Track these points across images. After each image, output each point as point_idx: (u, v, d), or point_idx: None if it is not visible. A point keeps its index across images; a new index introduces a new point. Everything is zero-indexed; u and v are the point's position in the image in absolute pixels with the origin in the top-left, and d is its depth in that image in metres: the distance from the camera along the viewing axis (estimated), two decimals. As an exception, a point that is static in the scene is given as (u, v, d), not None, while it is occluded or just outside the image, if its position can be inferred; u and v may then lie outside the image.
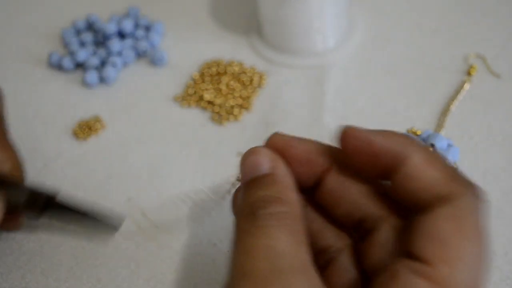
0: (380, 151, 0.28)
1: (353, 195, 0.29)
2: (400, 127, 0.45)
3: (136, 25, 0.57)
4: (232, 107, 0.50)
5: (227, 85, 0.51)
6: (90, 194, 0.45)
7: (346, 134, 0.28)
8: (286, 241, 0.26)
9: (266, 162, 0.30)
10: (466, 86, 0.49)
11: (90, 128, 0.49)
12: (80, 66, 0.55)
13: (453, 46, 0.52)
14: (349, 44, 0.53)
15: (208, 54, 0.54)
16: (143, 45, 0.54)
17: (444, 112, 0.47)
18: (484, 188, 0.42)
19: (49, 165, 0.48)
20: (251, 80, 0.51)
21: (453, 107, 0.47)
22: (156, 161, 0.47)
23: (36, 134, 0.50)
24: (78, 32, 0.57)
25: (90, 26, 0.57)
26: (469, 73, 0.49)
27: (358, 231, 0.30)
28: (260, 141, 0.47)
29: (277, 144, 0.31)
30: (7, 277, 0.41)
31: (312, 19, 0.50)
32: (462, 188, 0.28)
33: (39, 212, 0.39)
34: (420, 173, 0.27)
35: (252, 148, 0.31)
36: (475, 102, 0.48)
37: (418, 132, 0.41)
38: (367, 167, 0.28)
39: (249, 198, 0.29)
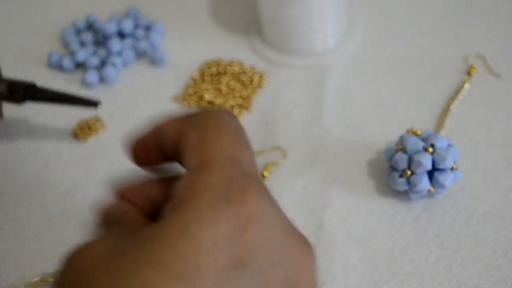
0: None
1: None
2: (400, 127, 0.45)
3: (136, 25, 0.57)
4: (232, 107, 0.50)
5: (227, 85, 0.51)
6: (90, 194, 0.45)
7: (131, 143, 0.32)
8: None
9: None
10: (466, 86, 0.49)
11: (90, 128, 0.49)
12: (80, 66, 0.55)
13: (453, 46, 0.52)
14: (349, 44, 0.53)
15: (208, 54, 0.54)
16: (143, 45, 0.54)
17: (444, 112, 0.47)
18: (484, 188, 0.42)
19: (49, 165, 0.48)
20: (251, 80, 0.51)
21: (453, 107, 0.47)
22: (156, 161, 0.47)
23: (36, 134, 0.50)
24: (78, 32, 0.57)
25: (90, 26, 0.57)
26: (469, 73, 0.49)
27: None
28: (260, 141, 0.47)
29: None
30: (7, 277, 0.41)
31: (312, 19, 0.50)
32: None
33: (21, 99, 0.45)
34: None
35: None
36: (475, 102, 0.48)
37: (418, 132, 0.41)
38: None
39: None
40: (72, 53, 0.54)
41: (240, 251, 0.26)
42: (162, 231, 0.26)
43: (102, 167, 0.47)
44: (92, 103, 0.46)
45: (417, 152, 0.40)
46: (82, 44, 0.56)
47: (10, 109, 0.49)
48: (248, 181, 0.28)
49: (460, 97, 0.48)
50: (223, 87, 0.51)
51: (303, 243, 0.28)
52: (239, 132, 0.29)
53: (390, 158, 0.42)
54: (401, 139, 0.42)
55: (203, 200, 0.26)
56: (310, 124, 0.48)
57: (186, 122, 0.29)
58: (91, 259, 0.27)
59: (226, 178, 0.28)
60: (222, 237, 0.26)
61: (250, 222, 0.27)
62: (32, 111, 0.52)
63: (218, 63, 0.53)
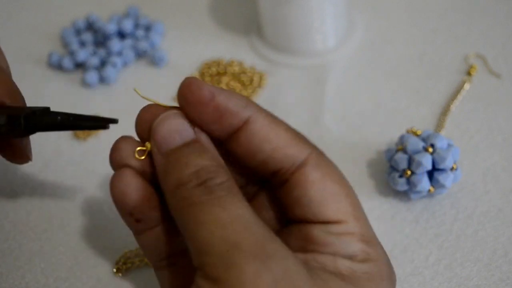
0: (223, 105, 0.28)
1: (269, 148, 0.29)
2: (400, 127, 0.45)
3: (136, 25, 0.57)
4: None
5: (227, 85, 0.51)
6: (90, 194, 0.45)
7: (191, 84, 0.28)
8: (248, 209, 0.27)
9: (188, 127, 0.29)
10: (466, 86, 0.49)
11: (90, 128, 0.49)
12: (80, 66, 0.55)
13: (453, 46, 0.52)
14: (349, 44, 0.53)
15: (208, 54, 0.54)
16: (143, 45, 0.54)
17: (444, 112, 0.47)
18: (484, 188, 0.42)
19: (49, 165, 0.48)
20: (251, 80, 0.51)
21: (453, 107, 0.47)
22: (156, 161, 0.47)
23: (36, 134, 0.50)
24: (78, 32, 0.57)
25: (90, 26, 0.57)
26: (469, 73, 0.49)
27: (272, 180, 0.30)
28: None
29: (188, 100, 0.29)
30: (7, 277, 0.41)
31: (312, 19, 0.50)
32: (307, 146, 0.30)
33: (22, 132, 0.35)
34: (266, 132, 0.28)
35: (165, 113, 0.29)
36: (475, 102, 0.48)
37: (418, 132, 0.41)
38: (211, 123, 0.28)
39: (190, 168, 0.27)
40: (72, 53, 0.54)
41: None
42: None
43: (102, 167, 0.47)
44: (108, 121, 0.36)
45: (417, 152, 0.40)
46: (82, 44, 0.56)
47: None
48: (386, 255, 0.32)
49: (460, 97, 0.48)
50: (223, 87, 0.51)
51: None
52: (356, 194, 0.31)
53: (390, 158, 0.42)
54: (401, 139, 0.42)
55: (385, 277, 0.30)
56: (310, 124, 0.48)
57: (314, 159, 0.29)
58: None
59: (383, 251, 0.31)
60: None
61: None
62: (32, 111, 0.52)
63: (218, 63, 0.53)
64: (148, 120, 0.30)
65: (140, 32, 0.56)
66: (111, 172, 0.46)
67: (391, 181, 0.41)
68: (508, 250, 0.39)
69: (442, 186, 0.40)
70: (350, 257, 0.28)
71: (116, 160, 0.30)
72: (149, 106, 0.31)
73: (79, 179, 0.46)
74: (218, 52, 0.54)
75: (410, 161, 0.40)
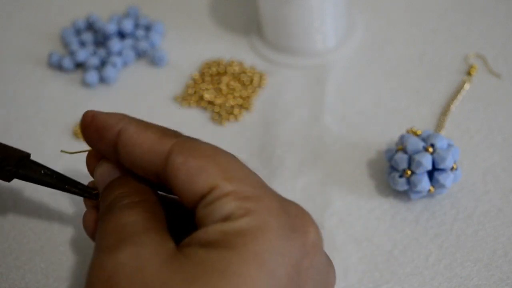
0: (100, 123, 0.32)
1: (140, 151, 0.30)
2: (400, 127, 0.45)
3: (136, 25, 0.57)
4: (232, 107, 0.50)
5: (227, 85, 0.51)
6: (90, 194, 0.45)
7: (83, 115, 0.33)
8: (137, 215, 0.29)
9: (112, 168, 0.33)
10: (466, 86, 0.49)
11: (90, 128, 0.49)
12: (80, 66, 0.54)
13: (453, 46, 0.52)
14: (349, 44, 0.53)
15: (208, 54, 0.54)
16: (143, 45, 0.54)
17: (444, 112, 0.47)
18: (484, 188, 0.42)
19: (49, 165, 0.47)
20: (251, 80, 0.51)
21: (453, 107, 0.47)
22: (156, 161, 0.47)
23: (36, 134, 0.50)
24: (78, 32, 0.57)
25: (90, 26, 0.57)
26: (469, 73, 0.49)
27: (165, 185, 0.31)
28: (260, 141, 0.47)
29: (82, 128, 0.33)
30: (7, 277, 0.41)
31: (312, 19, 0.50)
32: (172, 138, 0.30)
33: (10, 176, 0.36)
34: (135, 138, 0.30)
35: (100, 162, 0.34)
36: (475, 102, 0.48)
37: (418, 132, 0.41)
38: (98, 142, 0.32)
39: (106, 201, 0.31)
40: (72, 53, 0.54)
41: (304, 280, 0.26)
42: (235, 262, 0.25)
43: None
44: (91, 195, 0.36)
45: (417, 152, 0.40)
46: (82, 44, 0.56)
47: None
48: (296, 205, 0.29)
49: (460, 97, 0.48)
50: (223, 87, 0.51)
51: (331, 263, 0.30)
52: (233, 157, 0.30)
53: (390, 158, 0.42)
54: (401, 139, 0.42)
55: (271, 229, 0.26)
56: (310, 124, 0.48)
57: (176, 147, 0.29)
58: (147, 273, 0.26)
59: (279, 204, 0.28)
60: (292, 267, 0.26)
61: (312, 249, 0.28)
62: (32, 110, 0.52)
63: (218, 63, 0.53)
64: (89, 170, 0.35)
65: (140, 32, 0.56)
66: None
67: (391, 181, 0.41)
68: (508, 250, 0.39)
69: (442, 186, 0.40)
70: (226, 218, 0.27)
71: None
72: (89, 151, 0.35)
73: (79, 179, 0.46)
74: (218, 52, 0.54)
75: (410, 161, 0.40)
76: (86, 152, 0.36)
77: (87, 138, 0.33)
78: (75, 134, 0.49)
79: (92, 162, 0.34)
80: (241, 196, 0.27)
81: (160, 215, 0.30)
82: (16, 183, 0.46)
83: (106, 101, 0.52)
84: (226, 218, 0.27)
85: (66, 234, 0.43)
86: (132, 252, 0.27)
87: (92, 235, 0.34)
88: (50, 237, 0.43)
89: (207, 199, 0.28)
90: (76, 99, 0.52)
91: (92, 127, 0.32)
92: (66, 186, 0.37)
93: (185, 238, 0.28)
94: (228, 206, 0.27)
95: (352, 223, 0.42)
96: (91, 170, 0.34)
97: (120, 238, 0.28)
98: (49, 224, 0.44)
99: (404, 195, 0.42)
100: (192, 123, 0.49)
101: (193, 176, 0.28)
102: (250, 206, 0.27)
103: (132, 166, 0.31)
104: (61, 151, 0.38)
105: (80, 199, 0.45)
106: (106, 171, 0.33)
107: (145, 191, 0.31)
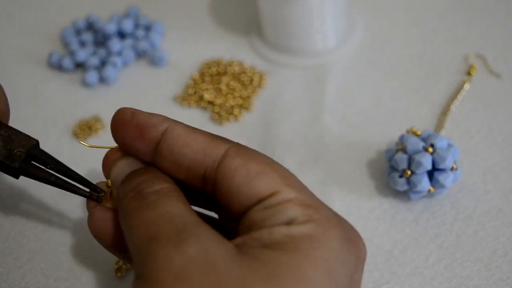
0: (142, 122, 0.31)
1: (189, 152, 0.30)
2: (400, 127, 0.45)
3: (136, 25, 0.57)
4: (232, 107, 0.50)
5: (227, 85, 0.51)
6: (90, 194, 0.45)
7: (117, 112, 0.32)
8: (179, 206, 0.28)
9: (137, 161, 0.32)
10: (466, 86, 0.49)
11: (90, 128, 0.49)
12: (80, 66, 0.55)
13: (453, 46, 0.52)
14: (349, 44, 0.53)
15: (208, 54, 0.54)
16: (143, 45, 0.54)
17: (444, 112, 0.47)
18: (484, 188, 0.42)
19: (49, 165, 0.47)
20: (251, 80, 0.51)
21: (453, 107, 0.47)
22: (156, 161, 0.47)
23: (36, 134, 0.50)
24: (78, 32, 0.57)
25: (90, 26, 0.57)
26: (469, 73, 0.49)
27: (206, 188, 0.31)
28: (260, 141, 0.47)
29: (115, 125, 0.32)
30: (7, 277, 0.41)
31: (312, 19, 0.50)
32: (225, 142, 0.31)
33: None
34: (184, 138, 0.30)
35: (118, 159, 0.33)
36: (475, 102, 0.48)
37: (418, 132, 0.41)
38: (136, 140, 0.31)
39: (130, 184, 0.30)
40: (72, 53, 0.54)
41: None
42: (306, 265, 0.26)
43: (102, 167, 0.47)
44: (96, 195, 0.35)
45: (417, 152, 0.40)
46: (82, 44, 0.56)
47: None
48: (346, 220, 0.29)
49: (460, 97, 0.48)
50: (223, 87, 0.51)
51: None
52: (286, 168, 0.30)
53: (390, 158, 0.42)
54: (401, 139, 0.42)
55: (334, 238, 0.27)
56: (310, 124, 0.48)
57: (233, 150, 0.29)
58: (219, 269, 0.26)
59: (335, 216, 0.29)
60: (348, 278, 0.27)
61: (361, 265, 0.29)
62: (32, 110, 0.52)
63: (218, 63, 0.53)
64: (106, 166, 0.34)
65: (140, 32, 0.56)
66: (111, 172, 0.46)
67: (391, 181, 0.41)
68: (508, 250, 0.39)
69: (442, 186, 0.40)
70: (289, 222, 0.27)
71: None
72: (107, 153, 0.34)
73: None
74: (218, 52, 0.54)
75: (410, 161, 0.40)
76: (97, 149, 0.35)
77: (123, 135, 0.32)
78: (75, 134, 0.49)
79: (113, 159, 0.33)
80: (304, 203, 0.28)
81: (188, 204, 0.30)
82: (16, 182, 0.46)
83: (106, 101, 0.52)
84: (290, 222, 0.27)
85: (66, 234, 0.43)
86: (200, 247, 0.26)
87: (106, 237, 0.33)
88: (50, 237, 0.43)
89: (267, 202, 0.28)
90: (76, 99, 0.52)
91: (132, 124, 0.31)
92: (72, 187, 0.36)
93: (235, 240, 0.28)
94: (292, 211, 0.27)
95: (352, 223, 0.41)
96: (108, 167, 0.33)
97: (177, 231, 0.27)
98: (49, 224, 0.44)
99: (404, 195, 0.42)
100: (192, 123, 0.49)
101: (253, 178, 0.28)
102: (312, 214, 0.28)
103: (174, 166, 0.30)
104: (80, 142, 0.38)
105: (80, 200, 0.45)
106: (128, 163, 0.32)
107: (169, 178, 0.31)
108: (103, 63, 0.54)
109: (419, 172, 0.40)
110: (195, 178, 0.30)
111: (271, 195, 0.28)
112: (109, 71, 0.52)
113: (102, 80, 0.53)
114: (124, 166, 0.32)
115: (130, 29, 0.55)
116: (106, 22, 0.56)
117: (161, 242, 0.26)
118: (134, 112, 0.32)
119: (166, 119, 0.31)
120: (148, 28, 0.57)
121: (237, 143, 0.31)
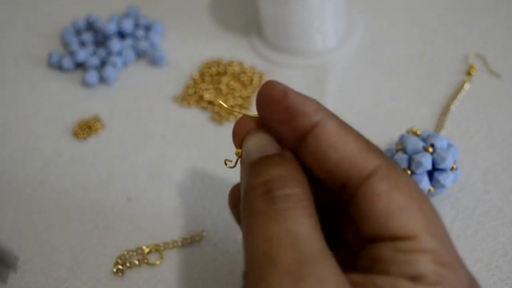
0: (294, 105, 0.28)
1: (336, 156, 0.27)
2: (400, 127, 0.45)
3: (136, 25, 0.57)
4: (232, 107, 0.50)
5: (227, 85, 0.51)
6: (90, 194, 0.45)
7: (267, 84, 0.28)
8: (307, 225, 0.26)
9: (273, 142, 0.29)
10: (466, 86, 0.49)
11: (90, 128, 0.49)
12: (80, 66, 0.55)
13: (453, 46, 0.52)
14: (349, 44, 0.53)
15: (208, 54, 0.54)
16: (143, 45, 0.54)
17: (444, 112, 0.47)
18: (484, 188, 0.42)
19: (49, 165, 0.48)
20: (251, 80, 0.51)
21: (453, 107, 0.47)
22: (156, 161, 0.47)
23: (36, 134, 0.50)
24: (78, 32, 0.57)
25: (90, 26, 0.57)
26: (469, 73, 0.49)
27: (339, 196, 0.28)
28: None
29: (262, 100, 0.29)
30: (8, 276, 0.41)
31: (312, 19, 0.50)
32: (377, 156, 0.27)
33: None
34: (334, 139, 0.27)
35: (254, 130, 0.30)
36: (475, 102, 0.48)
37: (418, 132, 0.41)
38: (282, 124, 0.28)
39: (261, 176, 0.28)
40: (72, 53, 0.54)
41: None
42: None
43: (102, 167, 0.47)
44: (6, 265, 0.34)
45: (417, 152, 0.40)
46: (82, 44, 0.56)
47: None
48: (477, 285, 0.28)
49: (460, 97, 0.48)
50: (223, 87, 0.51)
51: None
52: (435, 208, 0.28)
53: (390, 158, 0.42)
54: (401, 139, 0.42)
55: None
56: (310, 124, 0.48)
57: (383, 170, 0.27)
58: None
59: (469, 281, 0.27)
60: None
61: None
62: (32, 110, 0.52)
63: (218, 63, 0.53)
64: (237, 132, 0.31)
65: (140, 32, 0.56)
66: (111, 171, 0.46)
67: (391, 181, 0.41)
68: (508, 250, 0.39)
69: (442, 186, 0.40)
70: (417, 278, 0.25)
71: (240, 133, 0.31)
72: (241, 118, 0.31)
73: (79, 179, 0.46)
74: (218, 52, 0.54)
75: (410, 161, 0.40)
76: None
77: (269, 114, 0.28)
78: (75, 134, 0.49)
79: (247, 128, 0.30)
80: (439, 260, 0.26)
81: (316, 216, 0.27)
82: (16, 182, 0.46)
83: (106, 101, 0.52)
84: (417, 278, 0.25)
85: (66, 234, 0.43)
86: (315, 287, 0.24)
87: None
88: (50, 237, 0.43)
89: (401, 244, 0.26)
90: (76, 99, 0.52)
91: (283, 105, 0.28)
92: None
93: (354, 275, 0.26)
94: (424, 266, 0.25)
95: (352, 223, 0.41)
96: (240, 133, 0.30)
97: (299, 261, 0.25)
98: (49, 224, 0.44)
99: (404, 195, 0.42)
100: (192, 123, 0.49)
101: (394, 212, 0.26)
102: (445, 275, 0.25)
103: (316, 164, 0.28)
104: (219, 102, 0.36)
105: (82, 199, 0.45)
106: (264, 142, 0.29)
107: (302, 178, 0.28)
108: (103, 63, 0.54)
109: (419, 172, 0.40)
110: (334, 182, 0.28)
111: (408, 238, 0.26)
112: (109, 71, 0.52)
113: (102, 80, 0.53)
114: (260, 144, 0.29)
115: (130, 29, 0.55)
116: (106, 22, 0.56)
117: (278, 270, 0.24)
118: (286, 92, 0.28)
119: (320, 108, 0.28)
120: (148, 28, 0.57)
121: (390, 161, 0.28)
